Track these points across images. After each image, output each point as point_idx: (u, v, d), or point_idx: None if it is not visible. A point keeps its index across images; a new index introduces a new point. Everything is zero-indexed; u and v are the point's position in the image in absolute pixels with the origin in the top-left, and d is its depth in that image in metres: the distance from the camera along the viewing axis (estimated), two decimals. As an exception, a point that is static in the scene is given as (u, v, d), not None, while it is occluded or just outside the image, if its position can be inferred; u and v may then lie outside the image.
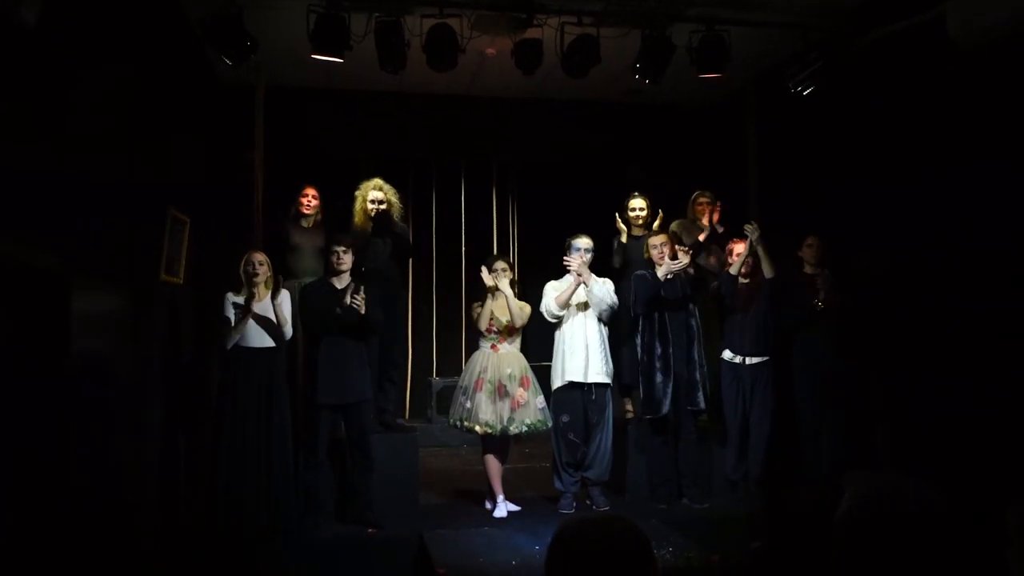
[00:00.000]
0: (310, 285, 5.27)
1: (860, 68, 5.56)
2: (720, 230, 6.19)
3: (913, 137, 5.28)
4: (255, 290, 5.04)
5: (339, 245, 5.15)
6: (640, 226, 6.11)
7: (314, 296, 5.13)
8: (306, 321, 5.19)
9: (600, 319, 5.56)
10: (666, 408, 5.52)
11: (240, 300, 5.01)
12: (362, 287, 5.00)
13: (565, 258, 5.47)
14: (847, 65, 5.55)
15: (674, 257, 5.58)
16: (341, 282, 5.12)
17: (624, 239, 6.09)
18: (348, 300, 4.95)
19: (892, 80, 5.37)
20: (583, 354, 5.45)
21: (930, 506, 1.50)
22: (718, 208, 6.22)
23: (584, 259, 5.49)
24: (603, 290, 5.51)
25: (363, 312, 4.95)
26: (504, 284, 5.39)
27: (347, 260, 5.14)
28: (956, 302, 4.92)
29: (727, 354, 5.73)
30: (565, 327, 5.55)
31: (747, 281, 5.65)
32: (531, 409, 5.37)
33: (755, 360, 5.63)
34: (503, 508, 5.39)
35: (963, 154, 4.88)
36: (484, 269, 5.48)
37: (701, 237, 6.14)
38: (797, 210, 6.21)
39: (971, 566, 1.53)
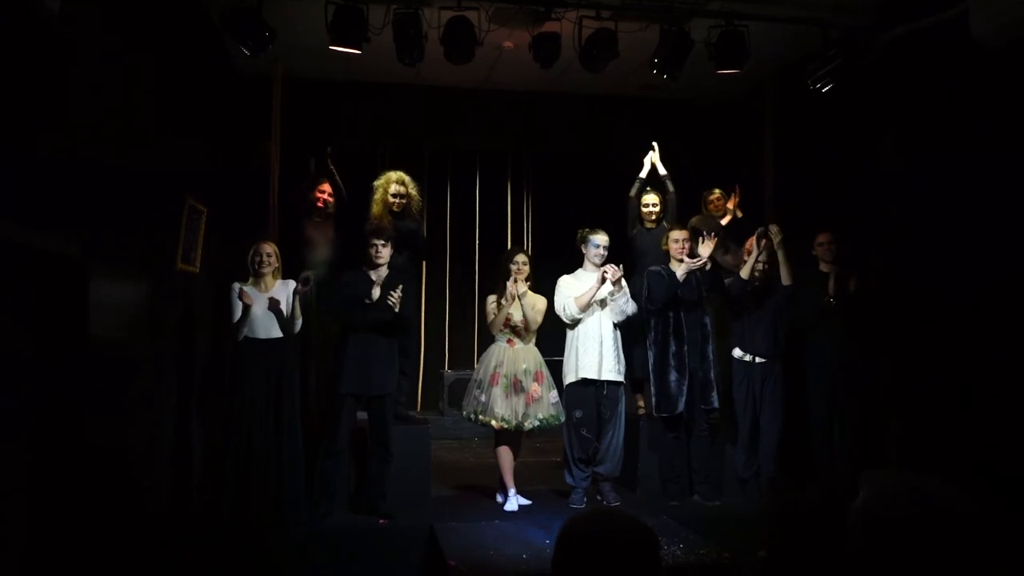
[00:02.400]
0: (345, 275, 5.26)
1: (880, 66, 5.53)
2: (740, 215, 6.18)
3: (932, 135, 5.24)
4: (261, 281, 5.04)
5: (379, 238, 5.13)
6: (653, 221, 6.10)
7: (349, 286, 5.12)
8: (336, 310, 5.18)
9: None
10: (681, 406, 5.51)
11: (246, 290, 4.99)
12: (400, 285, 4.99)
13: (609, 267, 5.36)
14: (867, 63, 5.51)
15: (692, 254, 5.56)
16: (378, 275, 5.14)
17: (645, 174, 6.11)
18: (387, 298, 4.93)
19: (912, 78, 5.34)
20: (597, 351, 5.44)
21: (948, 505, 1.49)
22: (737, 194, 6.21)
23: (604, 256, 5.48)
24: (627, 302, 5.48)
25: (397, 310, 4.96)
26: (522, 287, 5.36)
27: (385, 254, 5.13)
28: (971, 297, 4.89)
29: (737, 352, 5.70)
30: (579, 323, 5.54)
31: (758, 284, 5.62)
32: (545, 404, 5.37)
33: (765, 359, 5.61)
34: (514, 502, 5.40)
35: (982, 152, 4.85)
36: (512, 282, 5.36)
37: (724, 221, 6.14)
38: (815, 207, 6.18)
39: (990, 566, 1.52)
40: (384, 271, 5.15)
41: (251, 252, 5.06)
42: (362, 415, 5.23)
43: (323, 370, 5.55)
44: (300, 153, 6.22)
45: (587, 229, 5.61)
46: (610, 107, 7.27)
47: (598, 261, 5.52)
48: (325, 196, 5.84)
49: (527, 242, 8.47)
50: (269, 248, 5.09)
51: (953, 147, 5.05)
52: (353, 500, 5.30)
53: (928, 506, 1.48)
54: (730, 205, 6.20)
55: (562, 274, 5.66)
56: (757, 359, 5.61)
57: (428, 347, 8.25)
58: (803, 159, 6.48)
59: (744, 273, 5.58)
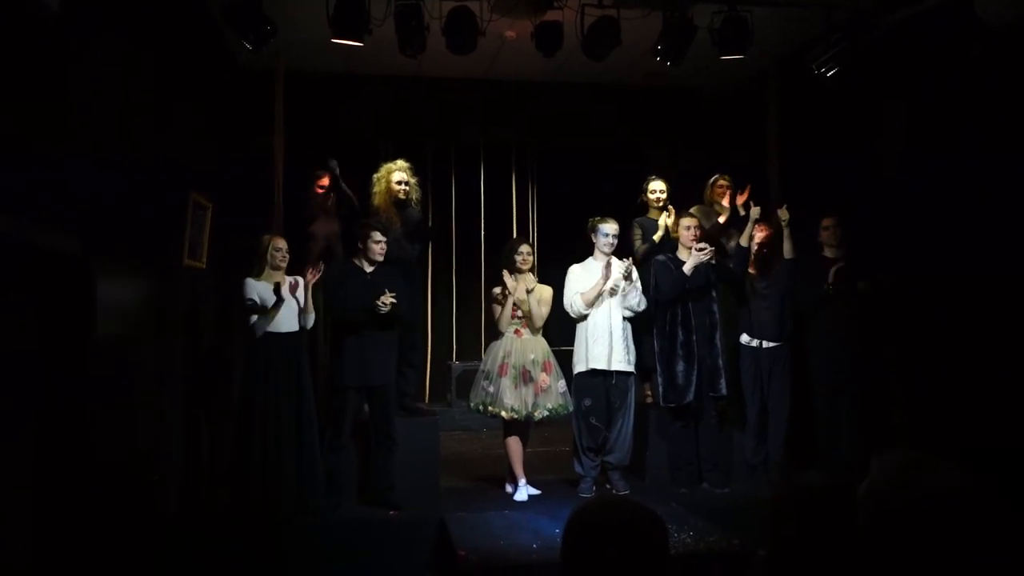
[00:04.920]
0: (336, 270, 5.26)
1: (885, 49, 5.48)
2: (742, 213, 6.14)
3: (937, 119, 5.20)
4: (274, 276, 5.04)
5: (376, 231, 5.13)
6: (660, 208, 6.08)
7: (344, 283, 5.12)
8: (334, 307, 5.18)
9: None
10: (691, 396, 5.49)
11: (262, 285, 4.99)
12: (388, 292, 4.99)
13: (615, 264, 5.36)
14: (871, 46, 5.47)
15: (701, 240, 5.54)
16: (374, 269, 5.15)
17: (649, 234, 6.03)
18: (377, 303, 4.95)
19: (918, 60, 5.30)
20: (607, 341, 5.42)
21: (955, 487, 1.48)
22: (747, 192, 6.16)
23: (613, 246, 5.47)
24: (638, 300, 5.47)
25: (387, 312, 4.99)
26: (522, 288, 5.37)
27: (381, 249, 5.15)
28: (975, 281, 4.87)
29: (745, 338, 5.70)
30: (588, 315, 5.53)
31: (764, 252, 5.62)
32: (553, 394, 5.39)
33: (773, 344, 5.60)
34: (524, 491, 5.41)
35: (987, 135, 4.81)
36: (506, 273, 5.40)
37: (721, 219, 6.10)
38: (819, 193, 6.15)
39: (994, 548, 1.51)
40: (380, 265, 5.16)
41: (268, 248, 5.02)
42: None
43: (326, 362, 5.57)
44: (303, 147, 6.22)
45: (598, 218, 5.59)
46: (614, 96, 7.24)
47: (607, 250, 5.51)
48: (325, 190, 5.82)
49: (532, 234, 8.45)
50: (282, 243, 5.09)
51: (960, 131, 5.02)
52: (362, 492, 5.31)
53: (934, 489, 1.47)
54: (738, 202, 6.14)
55: (568, 266, 5.65)
56: (764, 344, 5.61)
57: (435, 339, 8.24)
58: (808, 145, 6.44)
59: (743, 240, 5.58)
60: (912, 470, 1.54)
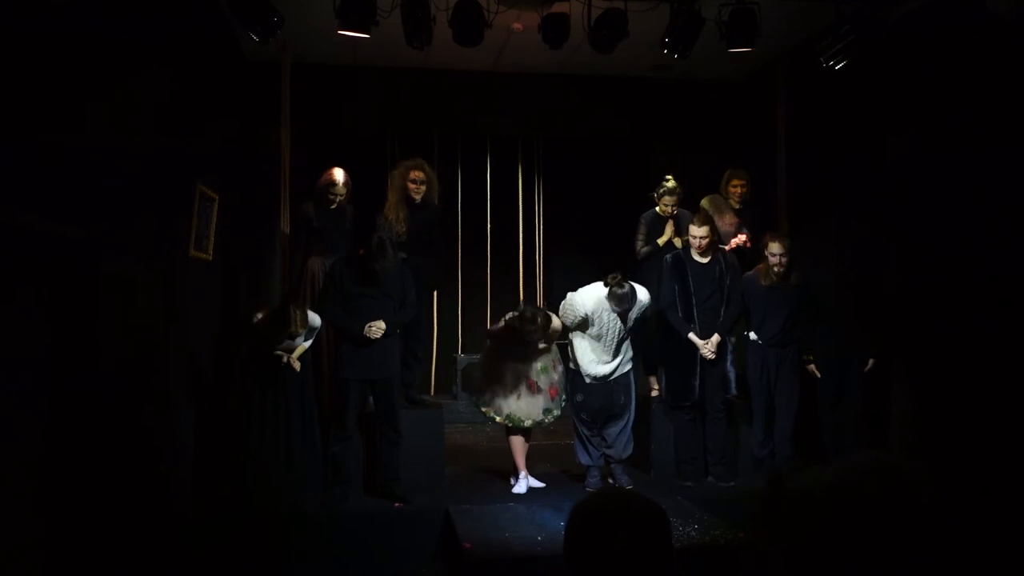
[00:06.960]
0: (338, 269, 5.23)
1: (893, 41, 5.46)
2: (748, 246, 6.03)
3: (947, 111, 5.18)
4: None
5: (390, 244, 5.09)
6: (669, 216, 6.04)
7: (343, 282, 5.11)
8: (326, 310, 5.17)
9: None
10: (697, 394, 5.49)
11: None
12: (380, 323, 5.00)
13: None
14: (880, 38, 5.44)
15: (709, 244, 5.51)
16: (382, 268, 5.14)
17: (654, 235, 6.02)
18: (366, 331, 4.98)
19: (926, 53, 5.27)
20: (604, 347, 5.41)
21: (915, 487, 1.46)
22: (747, 240, 6.04)
23: None
24: (639, 312, 5.43)
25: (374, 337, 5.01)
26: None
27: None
28: (984, 279, 4.85)
29: (753, 335, 5.68)
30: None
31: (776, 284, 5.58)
32: (560, 390, 5.48)
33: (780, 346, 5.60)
34: (523, 484, 5.43)
35: (997, 128, 4.78)
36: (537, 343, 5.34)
37: (727, 226, 6.05)
38: (827, 187, 6.13)
39: (961, 550, 1.49)
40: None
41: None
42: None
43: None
44: (309, 138, 6.21)
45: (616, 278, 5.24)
46: (621, 88, 7.22)
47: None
48: (338, 187, 5.78)
49: (538, 225, 8.42)
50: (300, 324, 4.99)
51: (968, 122, 4.99)
52: (367, 484, 5.33)
53: (890, 487, 1.45)
54: (734, 243, 6.03)
55: (571, 261, 5.59)
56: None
57: (440, 332, 8.25)
58: (816, 138, 6.42)
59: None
60: (869, 469, 1.51)
